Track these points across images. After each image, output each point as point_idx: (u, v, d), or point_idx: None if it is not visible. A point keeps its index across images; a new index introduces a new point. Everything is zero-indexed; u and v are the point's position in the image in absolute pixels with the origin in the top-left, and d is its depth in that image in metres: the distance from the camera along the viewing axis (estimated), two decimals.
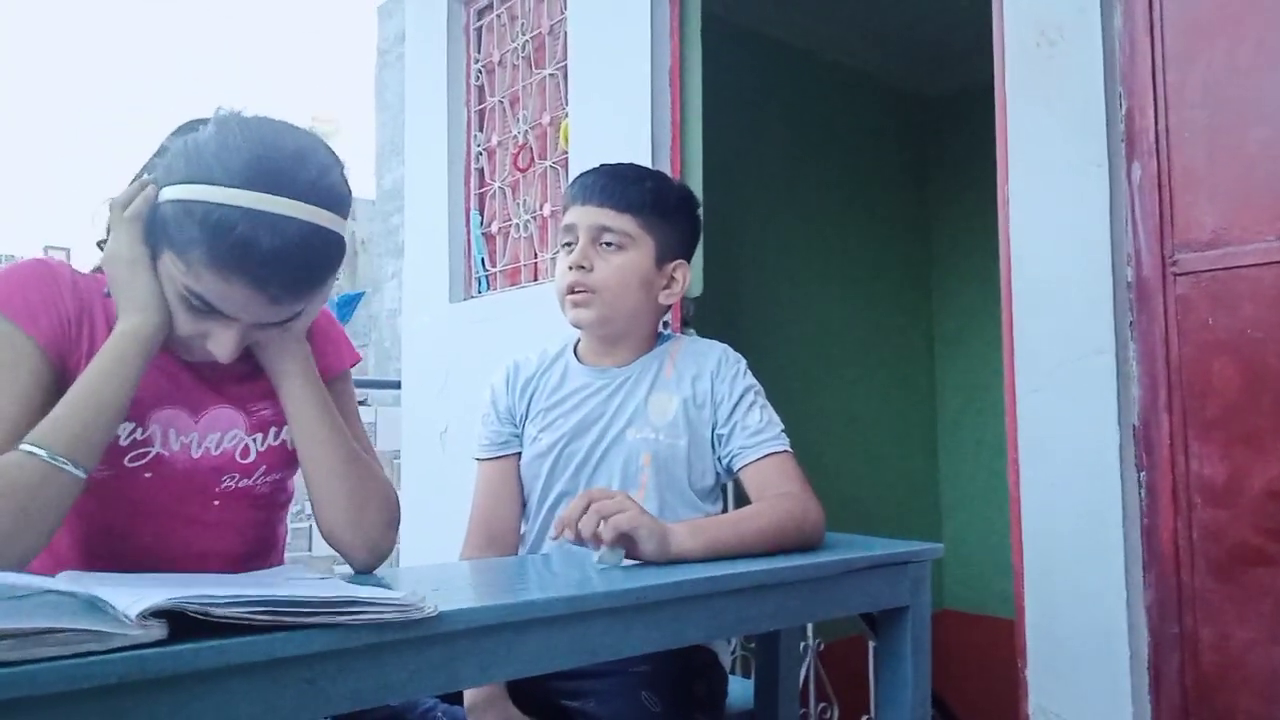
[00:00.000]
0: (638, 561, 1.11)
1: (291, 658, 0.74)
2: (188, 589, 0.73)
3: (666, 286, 1.46)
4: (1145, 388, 1.52)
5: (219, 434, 1.11)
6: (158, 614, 0.67)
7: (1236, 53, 1.45)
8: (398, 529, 1.16)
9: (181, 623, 0.69)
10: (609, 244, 1.41)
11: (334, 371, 1.22)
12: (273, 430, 1.15)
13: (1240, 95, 1.44)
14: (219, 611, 0.69)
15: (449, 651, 0.84)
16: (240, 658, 0.71)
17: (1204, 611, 1.45)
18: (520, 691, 1.28)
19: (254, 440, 1.13)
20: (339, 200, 1.02)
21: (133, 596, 0.69)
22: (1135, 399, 1.53)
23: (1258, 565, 1.40)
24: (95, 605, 0.67)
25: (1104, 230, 1.55)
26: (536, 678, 1.22)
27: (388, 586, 0.92)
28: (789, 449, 1.38)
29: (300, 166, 0.99)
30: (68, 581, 0.77)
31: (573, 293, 1.41)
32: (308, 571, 1.02)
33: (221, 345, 1.02)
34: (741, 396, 1.40)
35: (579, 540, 1.10)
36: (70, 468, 0.93)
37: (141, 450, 1.06)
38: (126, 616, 0.66)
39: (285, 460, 1.16)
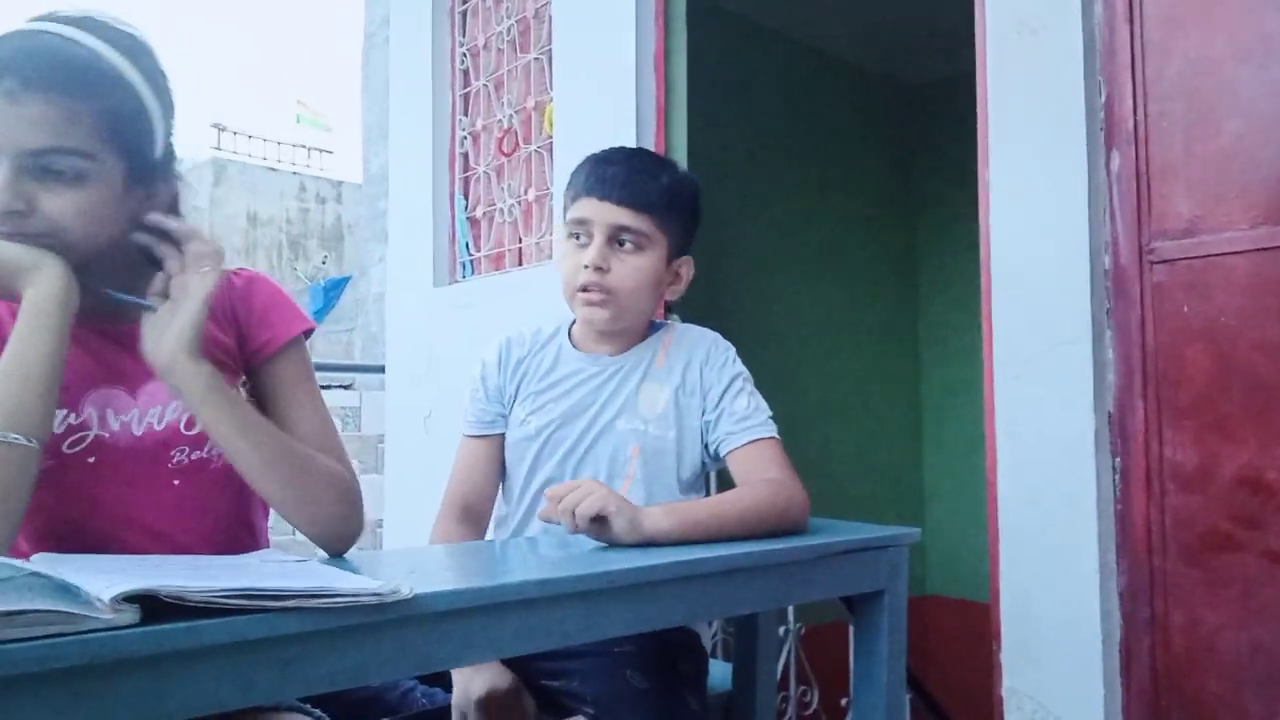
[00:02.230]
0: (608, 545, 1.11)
1: (266, 639, 0.74)
2: (162, 573, 0.74)
3: (672, 282, 1.46)
4: (1121, 375, 1.53)
5: (160, 407, 1.08)
6: (131, 599, 0.67)
7: (1211, 44, 1.46)
8: (361, 510, 1.13)
9: (155, 605, 0.69)
10: (626, 244, 1.38)
11: (279, 342, 1.16)
12: None
13: (1215, 86, 1.45)
14: (194, 598, 0.70)
15: (425, 634, 0.85)
16: (214, 639, 0.71)
17: (1175, 596, 1.47)
18: None
19: None
20: (118, 36, 1.03)
21: (106, 581, 0.69)
22: (1111, 386, 1.55)
23: (1227, 551, 1.41)
24: (68, 589, 0.67)
25: (1082, 218, 1.56)
26: (518, 659, 1.24)
27: (366, 571, 0.92)
28: (776, 435, 1.38)
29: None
30: (43, 565, 0.77)
31: (586, 291, 1.38)
32: (285, 556, 1.02)
33: None
34: (730, 383, 1.40)
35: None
36: (19, 439, 0.92)
37: (79, 435, 1.04)
38: (100, 601, 0.66)
39: None
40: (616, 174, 1.38)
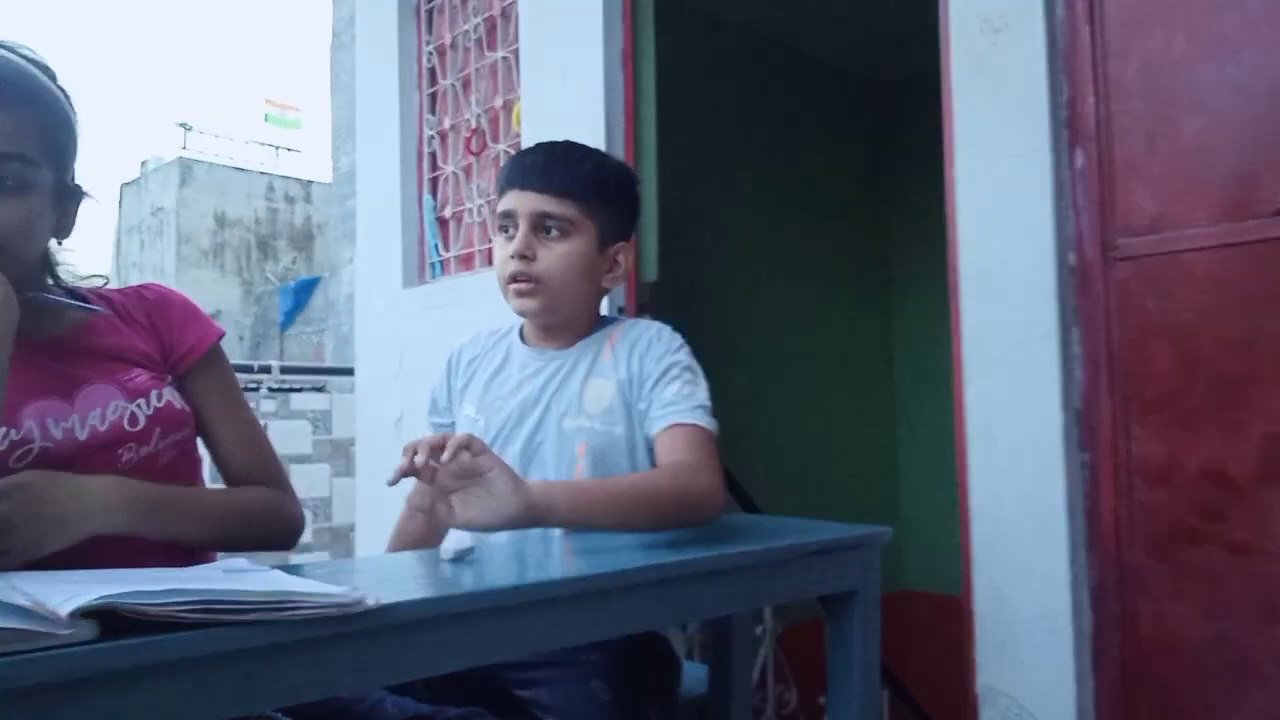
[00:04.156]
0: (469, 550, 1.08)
1: (228, 653, 0.73)
2: (120, 585, 0.72)
3: (609, 270, 1.44)
4: (1087, 371, 1.55)
5: (99, 409, 1.09)
6: (89, 613, 0.66)
7: (1171, 43, 1.47)
8: (288, 517, 1.23)
9: (114, 620, 0.68)
10: (550, 231, 1.38)
11: (201, 349, 1.22)
12: (154, 393, 1.13)
13: (1175, 85, 1.47)
14: (153, 610, 0.69)
15: (391, 644, 0.84)
16: (175, 654, 0.70)
17: (1143, 590, 1.49)
18: (473, 681, 1.28)
19: (138, 406, 1.12)
20: (39, 61, 1.08)
21: (63, 595, 0.67)
22: (1078, 382, 1.56)
23: (1193, 544, 1.43)
24: (22, 605, 0.66)
25: (1047, 216, 1.57)
26: (488, 667, 1.23)
27: (333, 580, 0.91)
28: (702, 424, 1.32)
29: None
30: None
31: (515, 281, 1.38)
32: (251, 565, 1.00)
33: None
34: (665, 372, 1.36)
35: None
36: None
37: (23, 449, 1.04)
38: (56, 616, 0.65)
39: (178, 421, 1.15)
40: (536, 163, 1.40)
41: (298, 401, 4.77)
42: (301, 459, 4.66)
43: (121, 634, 0.68)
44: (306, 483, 4.67)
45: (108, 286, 1.23)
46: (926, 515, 3.79)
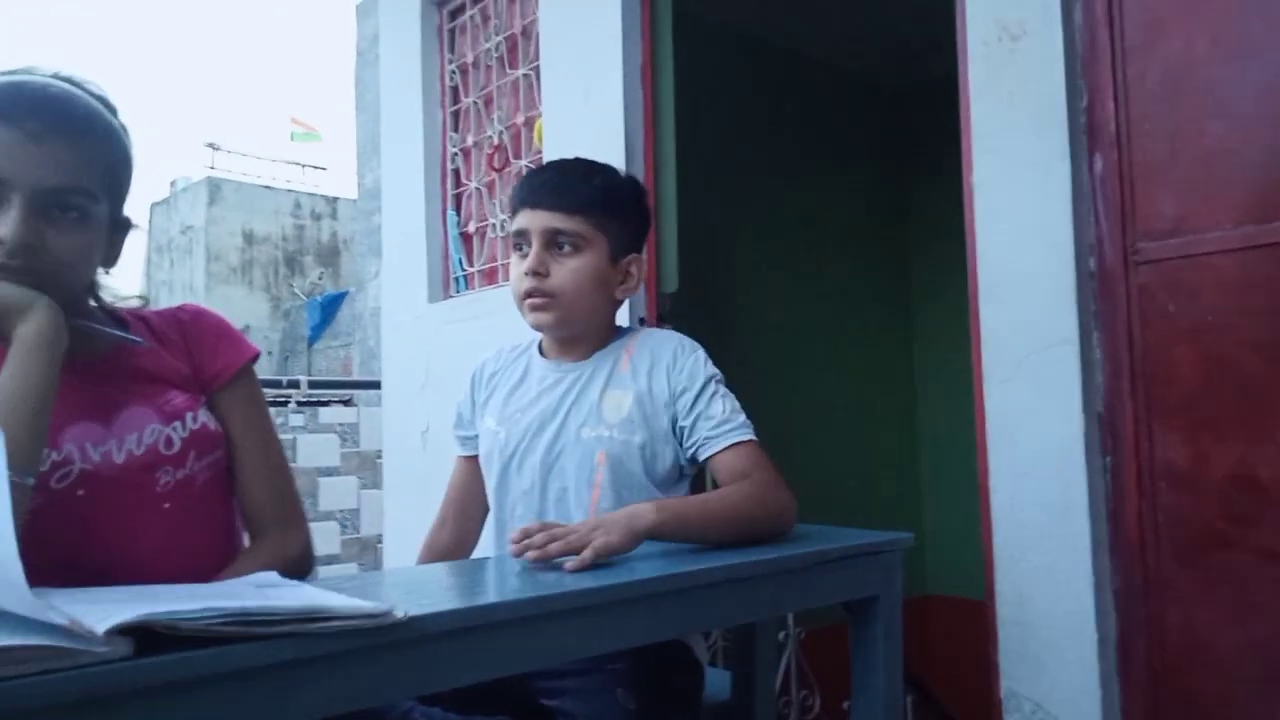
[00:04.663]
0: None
1: (262, 667, 0.75)
2: (155, 602, 0.74)
3: (622, 282, 1.47)
4: (1109, 375, 1.54)
5: (136, 433, 1.12)
6: (125, 630, 0.68)
7: (1193, 46, 1.47)
8: (288, 554, 1.20)
9: (149, 636, 0.70)
10: (562, 247, 1.41)
11: (232, 369, 1.24)
12: (189, 415, 1.16)
13: (1197, 87, 1.46)
14: (187, 626, 0.70)
15: (422, 655, 0.86)
16: (210, 669, 0.72)
17: (1170, 595, 1.48)
18: (499, 690, 1.29)
19: (174, 430, 1.14)
20: (104, 96, 1.12)
21: (99, 613, 0.69)
22: (1100, 387, 1.55)
23: (1220, 549, 1.42)
24: (59, 623, 0.68)
25: (1067, 221, 1.57)
26: (515, 676, 1.25)
27: (362, 593, 0.93)
28: (755, 438, 1.38)
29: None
30: (33, 599, 0.78)
31: (530, 297, 1.42)
32: (279, 578, 1.02)
33: (7, 225, 1.01)
34: (703, 387, 1.39)
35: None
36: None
37: (64, 470, 1.06)
38: (92, 633, 0.67)
39: (212, 441, 1.17)
40: (546, 181, 1.43)
41: (326, 415, 4.84)
42: (330, 471, 4.72)
43: (156, 650, 0.70)
44: (335, 495, 4.73)
45: (145, 307, 1.26)
46: (948, 521, 3.77)
